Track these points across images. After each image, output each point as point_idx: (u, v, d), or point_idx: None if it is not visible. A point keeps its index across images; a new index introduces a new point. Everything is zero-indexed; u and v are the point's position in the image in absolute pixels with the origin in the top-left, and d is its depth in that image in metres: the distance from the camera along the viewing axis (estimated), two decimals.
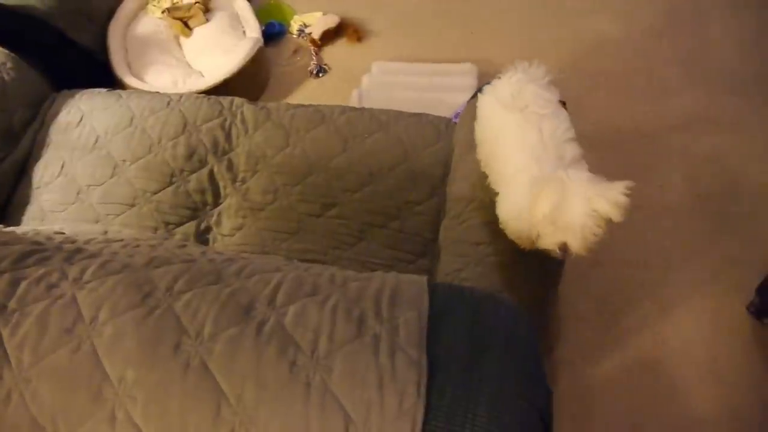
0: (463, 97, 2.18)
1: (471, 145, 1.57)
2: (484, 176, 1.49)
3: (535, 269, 1.42)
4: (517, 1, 2.82)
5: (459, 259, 1.47)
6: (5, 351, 0.96)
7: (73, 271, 1.08)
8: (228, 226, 1.73)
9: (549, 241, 1.21)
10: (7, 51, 1.89)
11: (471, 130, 1.60)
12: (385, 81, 2.27)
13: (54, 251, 1.16)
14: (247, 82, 2.41)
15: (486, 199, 1.48)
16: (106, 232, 1.65)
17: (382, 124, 1.78)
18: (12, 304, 1.01)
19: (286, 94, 2.54)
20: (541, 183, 1.18)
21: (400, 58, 2.52)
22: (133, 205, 1.74)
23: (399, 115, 1.81)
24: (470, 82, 2.26)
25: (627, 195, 1.14)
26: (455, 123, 1.79)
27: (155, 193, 1.75)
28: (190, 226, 1.73)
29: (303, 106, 1.87)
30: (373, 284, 1.05)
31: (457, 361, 0.94)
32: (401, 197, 1.67)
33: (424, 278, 1.11)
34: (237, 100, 1.91)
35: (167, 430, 0.88)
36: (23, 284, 1.04)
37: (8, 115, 1.85)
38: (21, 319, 0.99)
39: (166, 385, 0.90)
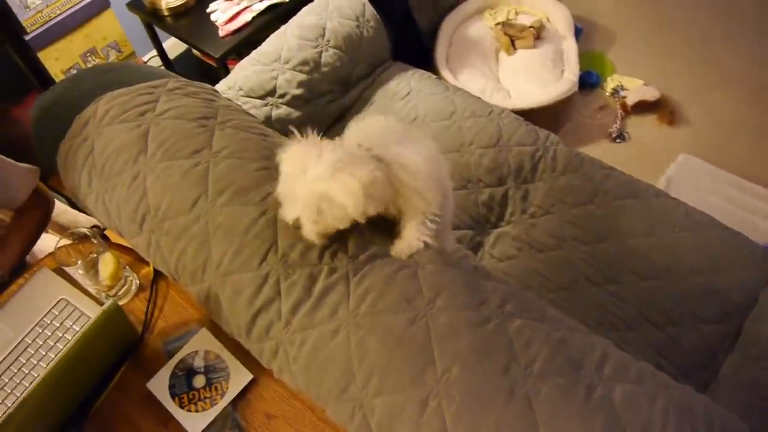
0: None
1: None
2: None
3: None
4: None
5: (740, 406, 1.32)
6: (348, 292, 1.02)
7: None
8: (500, 250, 1.72)
9: None
10: (374, 11, 2.05)
11: None
12: (694, 178, 2.14)
13: None
14: (545, 118, 2.39)
15: None
16: None
17: (696, 224, 1.66)
18: (362, 257, 1.07)
19: (576, 145, 2.48)
20: None
21: (706, 158, 2.35)
22: None
23: (715, 223, 1.68)
24: None
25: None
26: None
27: None
28: (465, 234, 1.75)
29: (618, 171, 1.82)
30: (700, 403, 0.97)
31: None
32: (689, 307, 1.55)
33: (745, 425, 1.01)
34: (553, 136, 1.90)
35: None
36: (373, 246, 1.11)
37: (353, 65, 2.01)
38: (369, 272, 1.04)
39: (488, 401, 0.89)
